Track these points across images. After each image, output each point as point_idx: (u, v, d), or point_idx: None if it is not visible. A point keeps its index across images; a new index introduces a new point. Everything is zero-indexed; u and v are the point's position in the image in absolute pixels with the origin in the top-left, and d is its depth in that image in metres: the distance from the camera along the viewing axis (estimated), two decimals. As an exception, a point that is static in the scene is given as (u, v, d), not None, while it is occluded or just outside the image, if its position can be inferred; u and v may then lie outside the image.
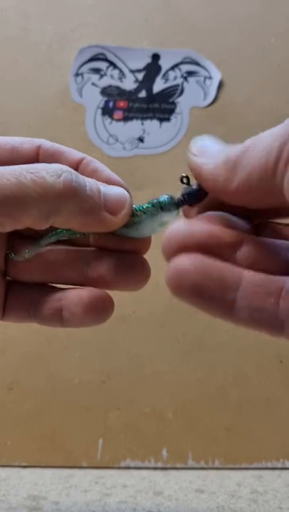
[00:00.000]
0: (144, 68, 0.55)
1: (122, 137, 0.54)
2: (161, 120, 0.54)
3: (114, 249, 0.26)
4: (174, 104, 0.54)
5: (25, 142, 0.26)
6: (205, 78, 0.54)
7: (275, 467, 0.46)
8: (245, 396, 0.48)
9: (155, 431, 0.47)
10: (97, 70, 0.55)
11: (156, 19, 0.55)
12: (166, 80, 0.55)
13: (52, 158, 0.25)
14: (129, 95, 0.55)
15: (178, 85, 0.55)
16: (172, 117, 0.54)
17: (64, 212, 0.23)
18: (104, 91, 0.55)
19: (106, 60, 0.55)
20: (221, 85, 0.54)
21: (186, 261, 0.19)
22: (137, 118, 0.54)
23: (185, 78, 0.55)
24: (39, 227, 0.23)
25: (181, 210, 0.25)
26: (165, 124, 0.54)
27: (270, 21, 0.55)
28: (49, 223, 0.23)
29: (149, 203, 0.25)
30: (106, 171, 0.26)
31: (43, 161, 0.25)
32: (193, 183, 0.23)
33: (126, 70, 0.55)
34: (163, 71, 0.55)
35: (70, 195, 0.22)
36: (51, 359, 0.49)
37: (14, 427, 0.47)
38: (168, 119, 0.54)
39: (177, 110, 0.54)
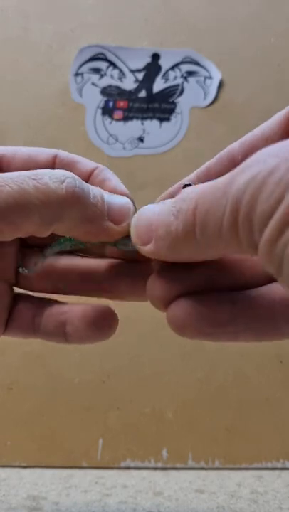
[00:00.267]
0: (144, 68, 0.55)
1: (122, 137, 0.54)
2: (161, 120, 0.54)
3: (130, 260, 0.26)
4: (174, 104, 0.54)
5: (41, 152, 0.26)
6: (205, 78, 0.54)
7: (275, 467, 0.46)
8: (245, 396, 0.48)
9: (155, 431, 0.47)
10: (97, 70, 0.55)
11: (156, 19, 0.55)
12: (166, 80, 0.55)
13: (67, 167, 0.25)
14: (129, 95, 0.55)
15: (178, 85, 0.55)
16: (172, 117, 0.54)
17: (66, 219, 0.22)
18: (104, 91, 0.55)
19: (106, 59, 0.55)
20: (221, 85, 0.54)
21: (179, 311, 0.22)
22: (137, 118, 0.54)
23: (185, 78, 0.55)
24: (41, 234, 0.23)
25: None
26: (165, 123, 0.54)
27: (270, 21, 0.55)
28: (51, 230, 0.23)
29: None
30: (114, 180, 0.26)
31: None
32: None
33: (126, 70, 0.55)
34: (163, 71, 0.55)
35: (73, 202, 0.22)
36: (51, 359, 0.49)
37: (14, 427, 0.47)
38: (168, 119, 0.54)
39: (177, 110, 0.54)
